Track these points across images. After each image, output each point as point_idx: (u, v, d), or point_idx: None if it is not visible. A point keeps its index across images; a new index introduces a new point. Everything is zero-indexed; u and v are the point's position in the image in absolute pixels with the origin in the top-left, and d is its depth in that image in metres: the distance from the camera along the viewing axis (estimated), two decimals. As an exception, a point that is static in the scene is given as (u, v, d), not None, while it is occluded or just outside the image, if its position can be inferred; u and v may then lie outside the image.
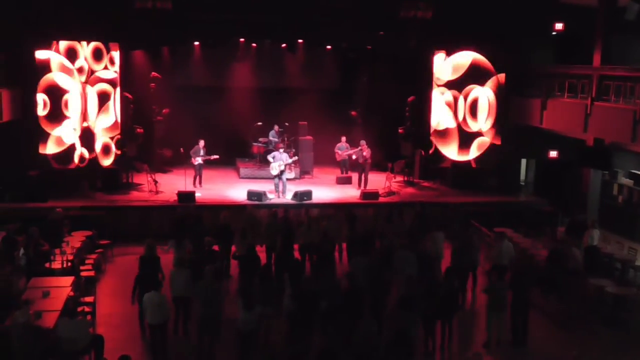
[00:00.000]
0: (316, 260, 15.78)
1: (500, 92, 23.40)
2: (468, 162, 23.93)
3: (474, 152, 23.85)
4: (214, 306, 12.40)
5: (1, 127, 19.42)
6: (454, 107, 23.67)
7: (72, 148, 21.33)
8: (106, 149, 22.19)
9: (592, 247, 16.94)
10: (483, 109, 23.51)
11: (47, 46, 20.61)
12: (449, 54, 23.45)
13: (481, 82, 23.47)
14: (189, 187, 21.66)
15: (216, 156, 22.40)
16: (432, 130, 23.93)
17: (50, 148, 20.95)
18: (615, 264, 17.10)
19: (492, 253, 15.91)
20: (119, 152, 22.41)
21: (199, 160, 22.22)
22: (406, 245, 15.23)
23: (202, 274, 12.89)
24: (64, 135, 21.11)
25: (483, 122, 23.60)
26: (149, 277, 13.28)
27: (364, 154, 22.63)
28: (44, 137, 20.81)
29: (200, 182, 22.63)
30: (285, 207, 19.39)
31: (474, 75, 23.49)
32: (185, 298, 13.26)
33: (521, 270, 14.03)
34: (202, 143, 22.28)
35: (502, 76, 23.32)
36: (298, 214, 18.22)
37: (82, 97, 21.35)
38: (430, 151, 24.10)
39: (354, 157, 23.46)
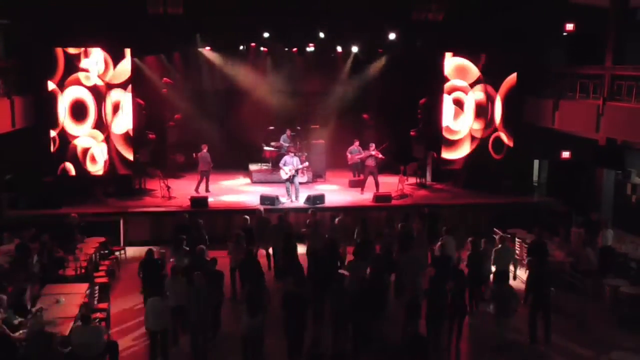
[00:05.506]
0: (318, 263, 15.16)
1: (512, 93, 23.35)
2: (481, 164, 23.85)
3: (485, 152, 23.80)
4: (205, 310, 12.38)
5: (15, 134, 19.50)
6: (464, 108, 23.58)
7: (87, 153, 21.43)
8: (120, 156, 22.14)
9: (607, 247, 16.88)
10: (494, 110, 23.48)
11: (58, 52, 20.76)
12: (460, 55, 23.36)
13: (492, 83, 23.40)
14: (201, 193, 21.79)
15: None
16: (443, 132, 23.80)
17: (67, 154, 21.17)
18: (630, 264, 16.98)
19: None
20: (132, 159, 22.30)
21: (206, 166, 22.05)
22: (410, 249, 15.18)
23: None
24: (80, 142, 21.29)
25: (494, 123, 23.54)
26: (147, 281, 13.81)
27: (380, 157, 22.52)
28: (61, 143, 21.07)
29: (207, 188, 22.48)
30: (287, 211, 19.48)
31: (486, 76, 23.43)
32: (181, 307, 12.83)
33: (541, 270, 13.92)
34: (205, 148, 22.16)
35: (513, 77, 23.25)
36: (306, 217, 18.24)
37: (97, 104, 21.34)
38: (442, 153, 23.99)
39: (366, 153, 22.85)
